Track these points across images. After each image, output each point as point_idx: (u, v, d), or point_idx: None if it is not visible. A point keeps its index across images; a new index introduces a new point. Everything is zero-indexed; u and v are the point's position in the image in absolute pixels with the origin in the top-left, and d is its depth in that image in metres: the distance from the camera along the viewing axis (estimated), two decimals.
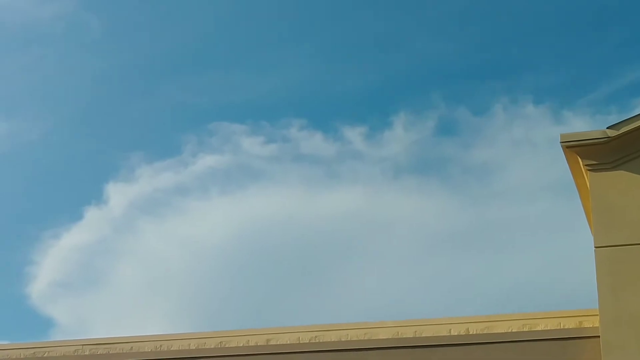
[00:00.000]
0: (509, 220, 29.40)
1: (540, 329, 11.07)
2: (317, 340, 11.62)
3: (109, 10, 32.43)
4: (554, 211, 28.31)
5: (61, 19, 31.91)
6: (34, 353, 12.50)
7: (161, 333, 12.42)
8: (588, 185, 11.17)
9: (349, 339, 11.51)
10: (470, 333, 11.25)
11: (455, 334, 11.27)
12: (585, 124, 30.62)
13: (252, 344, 11.79)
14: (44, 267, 31.92)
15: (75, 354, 12.34)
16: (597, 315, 10.49)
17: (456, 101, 31.55)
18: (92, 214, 32.12)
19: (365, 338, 11.47)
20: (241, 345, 11.82)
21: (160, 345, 12.15)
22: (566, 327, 11.00)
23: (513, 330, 11.14)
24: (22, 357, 12.52)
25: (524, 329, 11.11)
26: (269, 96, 32.80)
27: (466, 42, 31.91)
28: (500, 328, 11.18)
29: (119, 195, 31.96)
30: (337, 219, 30.29)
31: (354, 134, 31.30)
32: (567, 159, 11.28)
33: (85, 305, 31.72)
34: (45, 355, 12.45)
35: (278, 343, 11.72)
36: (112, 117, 33.44)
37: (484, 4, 31.31)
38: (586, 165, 11.06)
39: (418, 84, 32.67)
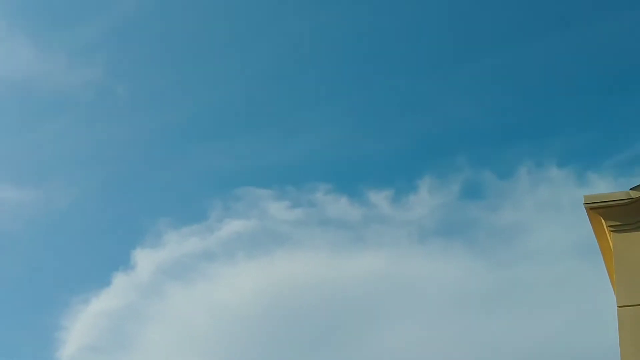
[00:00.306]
0: (534, 281, 29.43)
1: None
2: None
3: (136, 77, 33.07)
4: (578, 272, 28.33)
5: (90, 86, 32.52)
6: None
7: None
8: (611, 246, 11.29)
9: None
10: None
11: None
12: (610, 186, 30.75)
13: None
14: (73, 332, 32.07)
15: None
16: None
17: (481, 164, 31.80)
18: (120, 280, 32.36)
19: None
20: None
21: None
22: None
23: None
24: None
25: None
26: (294, 160, 33.17)
27: (491, 105, 32.26)
28: None
29: (146, 260, 32.21)
30: (363, 282, 30.39)
31: (380, 198, 31.54)
32: (590, 220, 11.40)
33: None
34: None
35: None
36: (139, 183, 33.88)
37: (509, 68, 31.69)
38: (609, 226, 11.18)
39: (443, 148, 32.97)
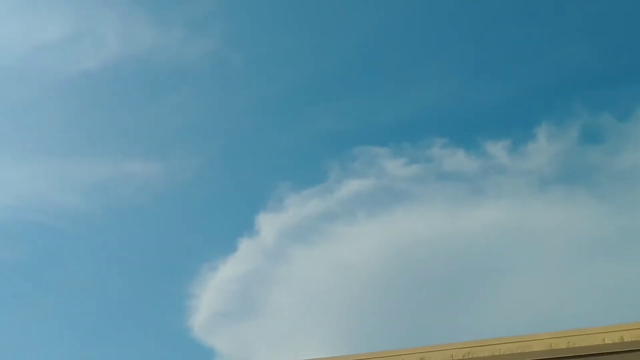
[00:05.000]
0: None
1: None
2: (471, 356, 11.76)
3: (250, 44, 33.41)
4: None
5: (206, 57, 33.06)
6: None
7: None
8: None
9: (502, 353, 11.63)
10: (625, 340, 11.21)
11: (610, 342, 11.25)
12: None
13: None
14: (203, 299, 32.89)
15: None
16: None
17: (598, 108, 31.10)
18: (245, 245, 32.95)
19: (519, 351, 11.56)
20: None
21: None
22: None
23: None
24: None
25: None
26: (408, 117, 33.02)
27: (605, 46, 31.43)
28: None
29: (269, 224, 32.71)
30: (484, 234, 30.24)
31: (497, 149, 31.22)
32: None
33: (244, 334, 32.51)
34: None
35: None
36: (258, 149, 34.29)
37: (622, 4, 30.82)
38: None
39: (558, 94, 32.33)
